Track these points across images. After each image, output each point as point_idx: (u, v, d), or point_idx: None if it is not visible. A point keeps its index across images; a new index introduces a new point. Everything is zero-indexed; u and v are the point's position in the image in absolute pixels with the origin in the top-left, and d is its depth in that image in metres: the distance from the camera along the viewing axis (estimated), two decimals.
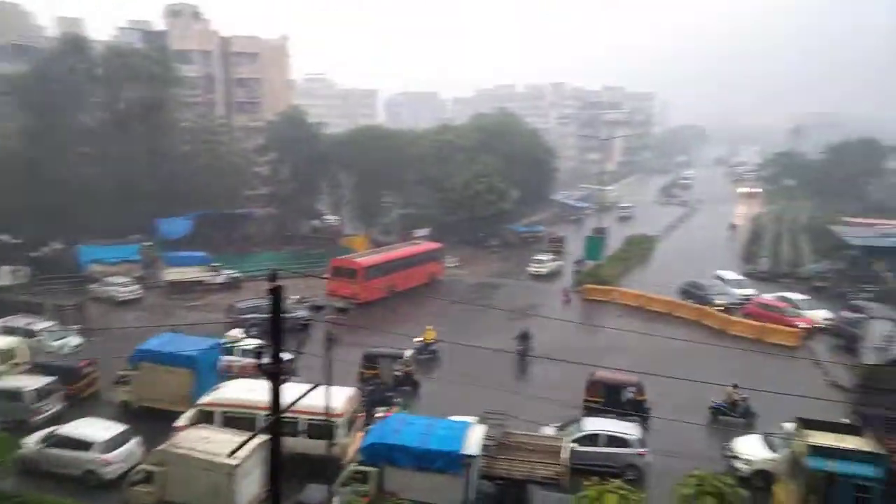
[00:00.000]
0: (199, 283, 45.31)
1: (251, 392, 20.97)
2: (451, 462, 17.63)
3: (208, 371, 25.10)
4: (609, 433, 21.31)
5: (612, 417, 22.54)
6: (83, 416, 22.69)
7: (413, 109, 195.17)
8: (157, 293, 44.45)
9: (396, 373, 27.61)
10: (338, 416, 20.35)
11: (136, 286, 42.84)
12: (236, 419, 20.47)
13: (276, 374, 10.21)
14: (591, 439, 21.18)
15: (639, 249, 56.22)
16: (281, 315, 10.08)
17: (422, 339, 32.12)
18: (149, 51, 57.07)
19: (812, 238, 56.39)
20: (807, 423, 18.48)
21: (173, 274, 45.12)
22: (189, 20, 71.06)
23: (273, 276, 10.00)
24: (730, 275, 45.24)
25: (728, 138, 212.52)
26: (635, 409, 24.02)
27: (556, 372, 27.34)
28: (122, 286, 42.13)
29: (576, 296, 44.06)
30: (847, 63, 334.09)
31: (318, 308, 40.33)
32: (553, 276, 50.64)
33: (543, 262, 51.60)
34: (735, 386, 25.28)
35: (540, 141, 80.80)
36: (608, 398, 24.20)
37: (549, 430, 22.07)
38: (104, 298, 41.42)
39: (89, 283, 43.14)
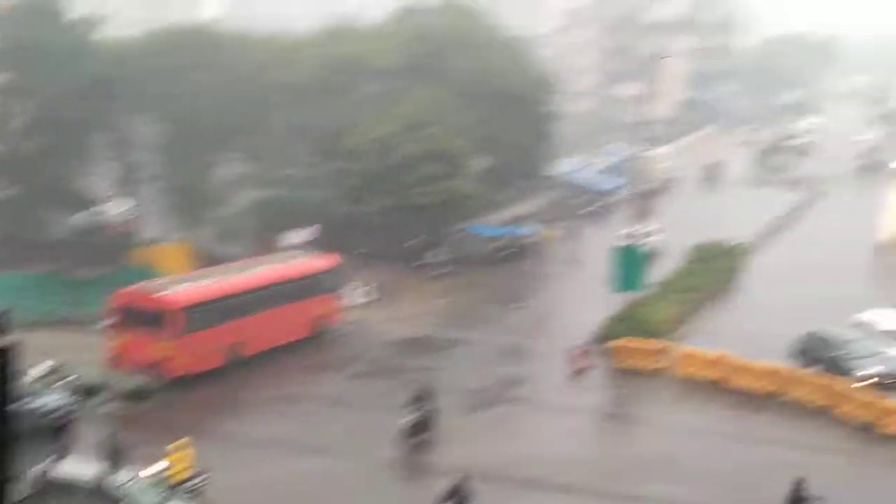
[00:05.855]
0: None
1: None
2: None
3: None
4: None
5: None
6: None
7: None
8: None
9: None
10: None
11: None
12: None
13: None
14: None
15: (715, 271, 33.29)
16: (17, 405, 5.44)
17: (162, 467, 16.29)
18: None
19: None
20: None
21: None
22: None
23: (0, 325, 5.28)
24: (887, 321, 26.33)
25: (873, 56, 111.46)
26: None
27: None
28: None
29: (596, 359, 24.95)
30: None
31: (89, 390, 23.97)
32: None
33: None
34: None
35: (528, 62, 43.56)
36: None
37: None
38: None
39: None
